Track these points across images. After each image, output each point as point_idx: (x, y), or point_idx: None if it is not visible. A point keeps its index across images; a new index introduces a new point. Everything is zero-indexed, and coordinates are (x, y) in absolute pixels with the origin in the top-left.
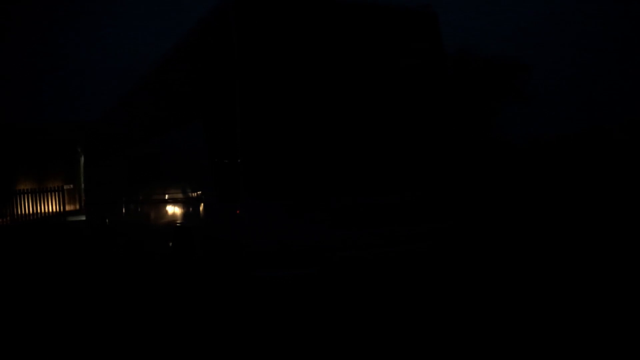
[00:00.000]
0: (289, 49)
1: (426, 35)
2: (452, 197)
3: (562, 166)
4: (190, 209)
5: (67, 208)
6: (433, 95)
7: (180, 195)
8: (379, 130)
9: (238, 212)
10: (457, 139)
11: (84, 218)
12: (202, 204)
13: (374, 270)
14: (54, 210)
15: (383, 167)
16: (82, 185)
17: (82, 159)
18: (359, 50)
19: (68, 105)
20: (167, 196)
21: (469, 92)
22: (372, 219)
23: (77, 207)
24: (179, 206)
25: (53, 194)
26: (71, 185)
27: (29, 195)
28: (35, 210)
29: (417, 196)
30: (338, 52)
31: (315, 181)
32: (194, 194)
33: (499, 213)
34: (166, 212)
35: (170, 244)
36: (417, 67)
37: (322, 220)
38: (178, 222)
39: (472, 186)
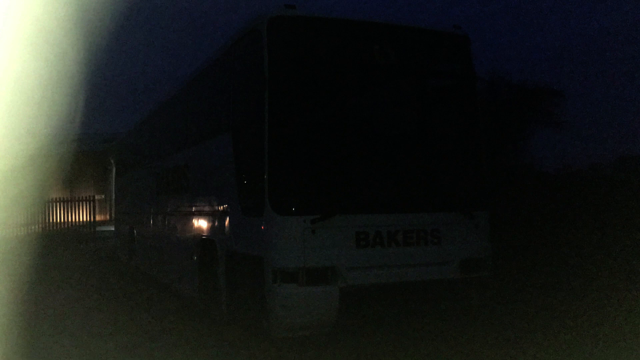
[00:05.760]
0: (319, 68)
1: (457, 57)
2: (480, 221)
3: (593, 196)
4: (216, 222)
5: (98, 218)
6: (463, 117)
7: (206, 208)
8: (407, 151)
9: (262, 227)
10: (487, 162)
11: (113, 228)
12: (228, 218)
13: (395, 291)
14: (85, 219)
15: (410, 188)
16: (113, 196)
17: (114, 170)
18: (389, 71)
19: (103, 117)
20: (193, 209)
21: (501, 116)
22: (397, 240)
23: (108, 217)
24: (204, 219)
25: (84, 203)
26: (102, 196)
27: (61, 204)
28: (66, 219)
29: (444, 220)
30: (368, 72)
31: (341, 199)
32: (220, 208)
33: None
34: (192, 224)
35: (195, 257)
36: (447, 89)
37: (346, 238)
38: (203, 234)
39: (499, 212)
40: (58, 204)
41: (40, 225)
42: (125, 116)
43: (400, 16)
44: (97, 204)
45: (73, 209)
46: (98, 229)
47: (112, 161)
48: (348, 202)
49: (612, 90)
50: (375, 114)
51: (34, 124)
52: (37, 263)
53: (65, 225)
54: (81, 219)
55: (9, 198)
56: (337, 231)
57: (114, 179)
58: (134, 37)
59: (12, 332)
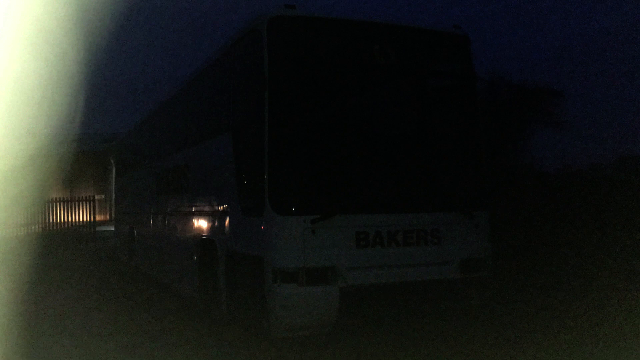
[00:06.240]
0: (319, 68)
1: (457, 57)
2: (480, 221)
3: (593, 196)
4: (216, 222)
5: (98, 218)
6: (463, 117)
7: (206, 208)
8: (407, 151)
9: (262, 227)
10: (487, 162)
11: (113, 228)
12: (228, 218)
13: (395, 291)
14: (85, 219)
15: (410, 188)
16: (113, 196)
17: (114, 170)
18: (389, 71)
19: (103, 117)
20: (193, 209)
21: (501, 116)
22: (397, 240)
23: (108, 217)
24: (204, 219)
25: (84, 203)
26: (102, 196)
27: (61, 204)
28: (66, 219)
29: (444, 220)
30: (368, 73)
31: (341, 199)
32: (220, 208)
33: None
34: (192, 224)
35: (195, 257)
36: (447, 89)
37: (346, 238)
38: (203, 234)
39: (499, 212)
40: (58, 204)
41: (40, 225)
42: (125, 116)
43: (400, 16)
44: (97, 204)
45: (73, 209)
46: (98, 229)
47: (112, 161)
48: (348, 202)
49: (612, 90)
50: (375, 114)
51: (34, 124)
52: (37, 263)
53: (65, 225)
54: (81, 219)
55: (9, 198)
56: (337, 231)
57: (114, 179)
58: (134, 37)
59: (12, 332)
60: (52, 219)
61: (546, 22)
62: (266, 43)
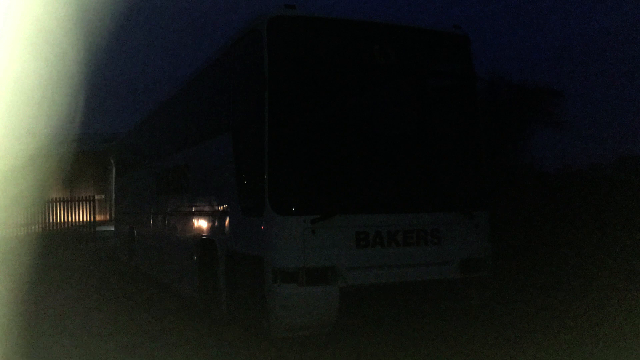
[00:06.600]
0: (318, 68)
1: (457, 57)
2: (480, 221)
3: (593, 196)
4: (216, 222)
5: (98, 218)
6: (463, 117)
7: (206, 208)
8: (407, 151)
9: (262, 227)
10: (487, 162)
11: (113, 228)
12: (228, 218)
13: (395, 291)
14: (85, 219)
15: (410, 188)
16: (113, 196)
17: (114, 170)
18: (389, 71)
19: (103, 117)
20: (193, 209)
21: (501, 116)
22: (397, 240)
23: (108, 217)
24: (204, 219)
25: (84, 203)
26: (102, 196)
27: (61, 204)
28: (66, 219)
29: (444, 220)
30: (368, 73)
31: (341, 199)
32: (220, 208)
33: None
34: (192, 224)
35: (195, 257)
36: (447, 89)
37: (346, 238)
38: (203, 234)
39: (499, 212)
40: (58, 204)
41: (40, 225)
42: (125, 116)
43: (400, 16)
44: (97, 204)
45: (73, 209)
46: (98, 229)
47: (112, 161)
48: (348, 202)
49: (612, 90)
50: (375, 114)
51: (34, 124)
52: (37, 263)
53: (65, 225)
54: (81, 219)
55: (9, 198)
56: (337, 231)
57: (114, 179)
58: (134, 37)
59: (12, 332)
60: (52, 219)
61: (546, 22)
62: (266, 43)
